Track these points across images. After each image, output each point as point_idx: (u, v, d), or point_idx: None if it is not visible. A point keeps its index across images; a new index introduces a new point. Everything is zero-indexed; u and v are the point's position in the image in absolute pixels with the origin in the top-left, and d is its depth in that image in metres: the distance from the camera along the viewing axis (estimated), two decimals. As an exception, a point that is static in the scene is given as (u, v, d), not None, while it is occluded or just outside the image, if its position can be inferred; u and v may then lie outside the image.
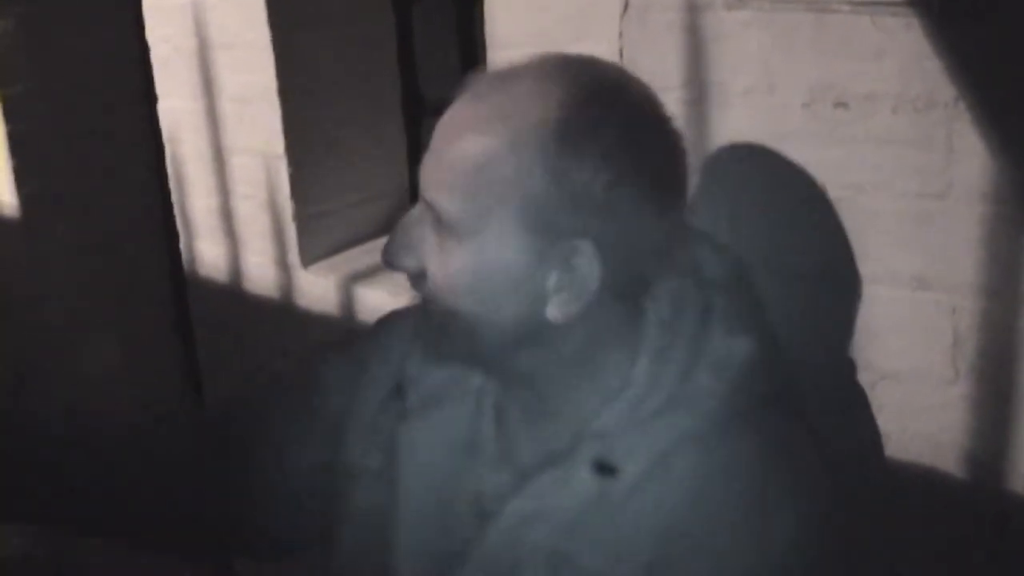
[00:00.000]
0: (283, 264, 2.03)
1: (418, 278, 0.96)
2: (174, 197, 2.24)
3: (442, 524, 1.03)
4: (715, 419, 0.92)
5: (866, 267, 1.19)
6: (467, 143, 0.91)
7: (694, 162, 1.28)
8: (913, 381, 1.18)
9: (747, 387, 0.93)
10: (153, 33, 2.14)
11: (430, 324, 0.97)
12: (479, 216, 0.91)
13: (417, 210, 0.95)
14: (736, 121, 1.24)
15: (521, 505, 0.96)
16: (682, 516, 0.89)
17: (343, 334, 1.91)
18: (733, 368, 0.93)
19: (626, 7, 1.29)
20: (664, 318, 0.95)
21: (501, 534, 0.97)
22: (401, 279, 1.02)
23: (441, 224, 0.92)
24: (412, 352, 1.10)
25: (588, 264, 0.91)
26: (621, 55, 1.30)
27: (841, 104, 1.16)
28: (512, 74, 0.92)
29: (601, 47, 1.32)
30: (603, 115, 0.89)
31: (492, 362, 0.99)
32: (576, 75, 0.91)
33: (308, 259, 2.01)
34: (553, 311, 0.92)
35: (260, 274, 2.08)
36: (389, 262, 0.96)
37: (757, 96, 1.21)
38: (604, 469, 0.92)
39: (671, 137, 0.93)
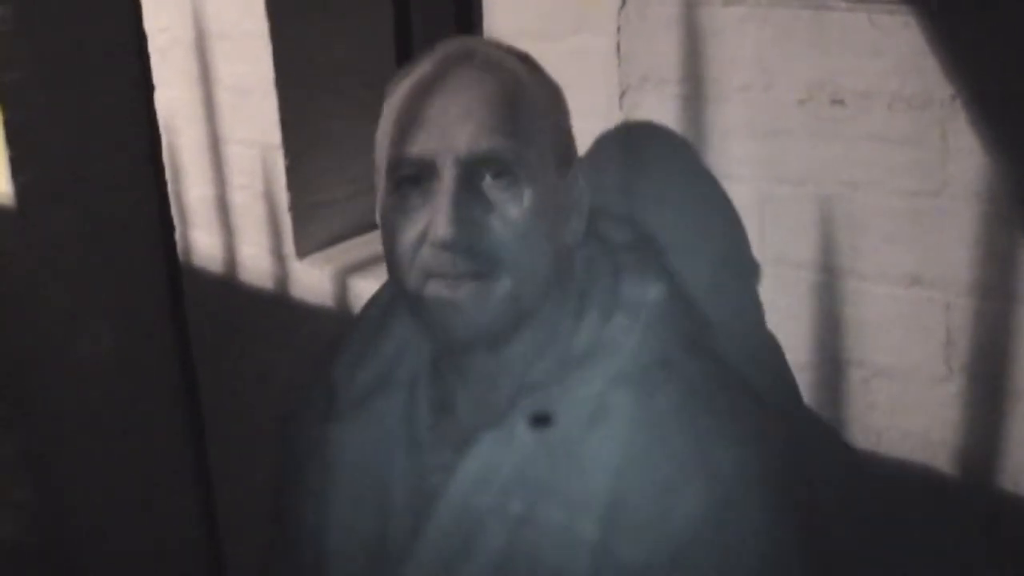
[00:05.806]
0: (278, 255, 2.03)
1: (476, 254, 0.93)
2: (170, 187, 2.24)
3: (379, 516, 1.03)
4: (639, 360, 0.96)
5: (860, 264, 1.19)
6: (493, 86, 0.93)
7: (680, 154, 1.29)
8: (905, 378, 1.18)
9: (663, 327, 0.99)
10: (151, 22, 2.13)
11: (486, 301, 0.94)
12: (527, 145, 0.95)
13: (452, 182, 0.92)
14: (732, 117, 1.24)
15: (467, 468, 0.97)
16: (629, 457, 0.92)
17: (336, 327, 1.91)
18: (646, 307, 0.99)
19: (624, 1, 1.28)
20: (580, 277, 1.02)
21: (452, 501, 0.97)
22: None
23: (501, 174, 0.93)
24: (336, 359, 1.11)
25: (584, 185, 1.02)
26: (619, 49, 1.30)
27: (837, 101, 1.16)
28: (466, 46, 1.00)
29: (599, 41, 1.32)
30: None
31: (527, 317, 0.98)
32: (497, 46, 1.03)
33: (303, 250, 2.00)
34: (568, 237, 1.00)
35: (255, 265, 2.08)
36: (454, 240, 0.91)
37: (753, 92, 1.21)
38: (540, 420, 0.95)
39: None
